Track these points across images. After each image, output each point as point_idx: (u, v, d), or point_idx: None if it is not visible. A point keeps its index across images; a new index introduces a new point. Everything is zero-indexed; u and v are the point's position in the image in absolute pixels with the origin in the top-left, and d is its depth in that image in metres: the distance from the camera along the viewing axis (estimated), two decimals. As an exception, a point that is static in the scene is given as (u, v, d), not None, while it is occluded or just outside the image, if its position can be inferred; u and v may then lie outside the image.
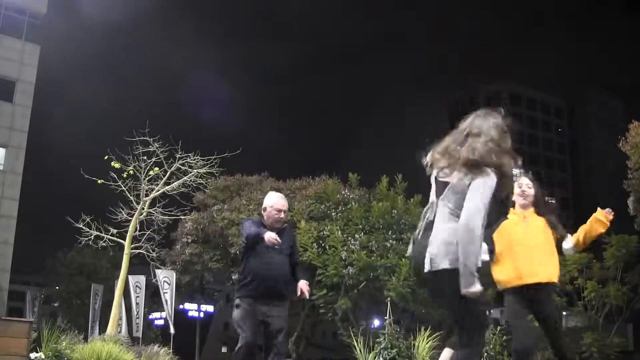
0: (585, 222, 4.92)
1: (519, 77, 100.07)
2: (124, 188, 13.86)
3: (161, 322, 33.16)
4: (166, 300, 17.89)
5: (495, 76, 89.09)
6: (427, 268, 2.99)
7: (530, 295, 4.54)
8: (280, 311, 5.22)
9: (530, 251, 4.59)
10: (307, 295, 5.24)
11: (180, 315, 27.15)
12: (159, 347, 11.92)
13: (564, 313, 24.46)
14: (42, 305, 33.41)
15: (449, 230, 2.98)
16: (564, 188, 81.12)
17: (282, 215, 5.37)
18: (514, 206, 4.85)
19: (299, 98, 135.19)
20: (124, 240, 13.92)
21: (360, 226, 21.67)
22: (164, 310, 18.17)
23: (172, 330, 17.20)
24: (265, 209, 5.42)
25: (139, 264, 18.07)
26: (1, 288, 27.99)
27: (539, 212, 4.83)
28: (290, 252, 5.40)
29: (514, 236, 4.64)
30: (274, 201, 5.42)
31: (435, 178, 3.19)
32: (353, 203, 22.59)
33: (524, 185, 4.83)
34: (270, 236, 5.01)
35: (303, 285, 5.28)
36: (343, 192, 23.47)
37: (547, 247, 4.67)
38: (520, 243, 4.61)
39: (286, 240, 5.32)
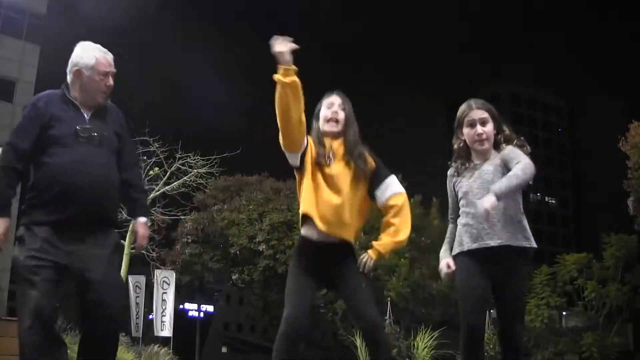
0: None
1: (519, 77, 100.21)
2: (123, 188, 13.84)
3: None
4: (164, 301, 17.88)
5: (495, 76, 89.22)
6: None
7: None
8: (102, 249, 2.87)
9: None
10: (142, 243, 3.07)
11: (180, 315, 27.14)
12: (159, 347, 11.96)
13: (564, 313, 24.47)
14: (42, 306, 33.37)
15: None
16: (564, 188, 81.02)
17: (111, 81, 3.03)
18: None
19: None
20: (124, 240, 13.93)
21: (360, 226, 21.67)
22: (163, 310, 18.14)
23: (162, 333, 17.16)
24: (79, 72, 2.96)
25: (139, 264, 18.07)
26: (1, 288, 27.99)
27: None
28: (118, 145, 3.04)
29: None
30: (96, 57, 2.99)
31: None
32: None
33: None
34: None
35: (139, 227, 3.03)
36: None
37: None
38: None
39: (109, 125, 3.03)
